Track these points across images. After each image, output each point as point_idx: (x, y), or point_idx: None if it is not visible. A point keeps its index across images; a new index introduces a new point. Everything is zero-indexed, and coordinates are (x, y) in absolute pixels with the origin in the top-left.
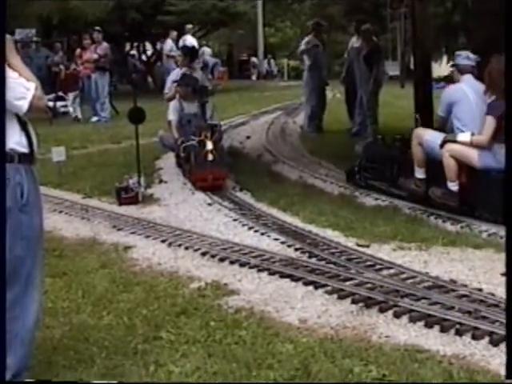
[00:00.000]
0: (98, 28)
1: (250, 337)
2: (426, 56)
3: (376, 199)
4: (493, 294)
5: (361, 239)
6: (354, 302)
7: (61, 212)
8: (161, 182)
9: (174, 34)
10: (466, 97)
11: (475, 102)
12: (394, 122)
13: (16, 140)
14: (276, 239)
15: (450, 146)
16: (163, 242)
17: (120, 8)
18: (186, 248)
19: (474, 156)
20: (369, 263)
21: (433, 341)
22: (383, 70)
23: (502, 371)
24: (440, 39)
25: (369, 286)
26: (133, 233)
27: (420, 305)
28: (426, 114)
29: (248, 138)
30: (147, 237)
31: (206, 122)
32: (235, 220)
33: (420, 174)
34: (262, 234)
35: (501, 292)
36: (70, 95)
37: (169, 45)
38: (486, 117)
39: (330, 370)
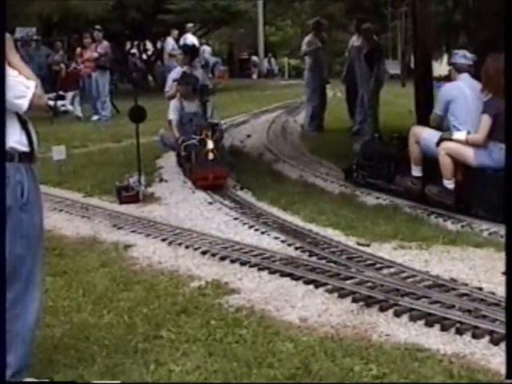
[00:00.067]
0: (98, 27)
1: (251, 335)
2: (427, 55)
3: (377, 198)
4: (493, 293)
5: (361, 238)
6: (354, 300)
7: (61, 211)
8: (161, 180)
9: (175, 32)
10: (463, 95)
11: (472, 100)
12: (395, 120)
13: (16, 139)
14: (276, 238)
15: (445, 144)
16: (163, 240)
17: (120, 7)
18: (187, 247)
19: (469, 154)
20: (369, 262)
21: (433, 339)
22: (384, 68)
23: (503, 370)
24: (441, 38)
25: (369, 284)
26: (133, 231)
27: (420, 304)
28: (426, 113)
29: (249, 136)
30: (147, 235)
31: (207, 120)
32: (236, 219)
33: (417, 171)
34: (263, 232)
35: (501, 291)
36: (69, 94)
37: (170, 43)
38: (482, 115)
39: (331, 369)
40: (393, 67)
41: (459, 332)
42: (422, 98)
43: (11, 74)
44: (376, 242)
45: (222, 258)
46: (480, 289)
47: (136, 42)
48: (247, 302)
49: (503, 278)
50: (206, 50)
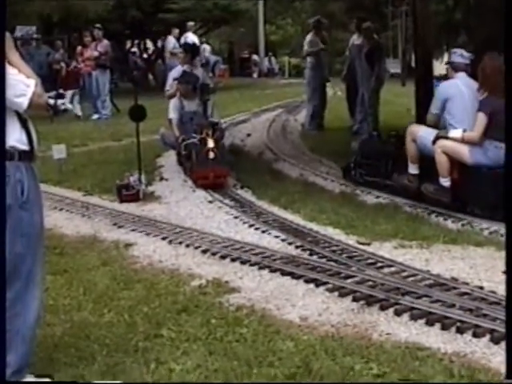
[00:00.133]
0: (98, 25)
1: (251, 334)
2: (427, 54)
3: (377, 197)
4: (494, 292)
5: (362, 237)
6: (354, 299)
7: (61, 209)
8: (162, 179)
9: (176, 31)
10: (461, 93)
11: (469, 98)
12: (395, 119)
13: (16, 137)
14: (277, 237)
15: (442, 143)
16: (164, 239)
17: (121, 5)
18: (187, 245)
19: (465, 152)
20: (370, 261)
21: (434, 338)
22: (384, 67)
23: (503, 369)
24: (441, 37)
25: (370, 283)
26: (133, 230)
27: (421, 303)
28: (426, 112)
29: (249, 135)
30: (148, 234)
31: (208, 119)
32: (236, 218)
33: (413, 169)
34: (263, 231)
35: (502, 290)
36: (69, 93)
37: (172, 42)
38: (478, 113)
39: (331, 368)
40: (393, 66)
41: (460, 331)
42: (422, 97)
43: (11, 73)
44: (376, 241)
45: (223, 257)
46: (481, 288)
47: (136, 41)
48: (248, 301)
49: (504, 277)
50: (206, 48)
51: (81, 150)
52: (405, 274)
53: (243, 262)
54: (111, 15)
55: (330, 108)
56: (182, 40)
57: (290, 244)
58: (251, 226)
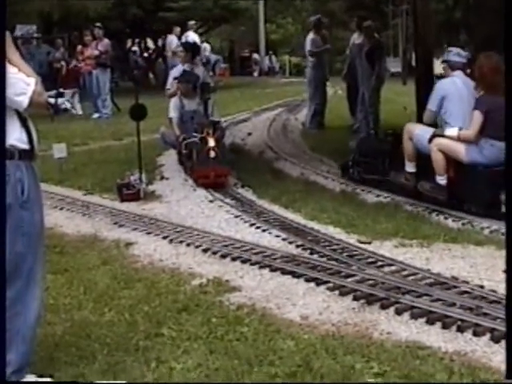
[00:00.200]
0: (98, 24)
1: (252, 333)
2: (428, 52)
3: (378, 196)
4: (494, 291)
5: (362, 236)
6: (355, 298)
7: (62, 209)
8: (162, 178)
9: (178, 30)
10: (458, 91)
11: (466, 96)
12: (396, 118)
13: (16, 136)
14: (277, 236)
15: (438, 141)
16: (165, 238)
17: (121, 4)
18: (188, 244)
19: (461, 150)
20: (370, 260)
21: (434, 337)
22: (385, 66)
23: (503, 368)
24: (442, 36)
25: (370, 282)
26: (134, 229)
27: (422, 301)
28: None
29: (249, 134)
30: (148, 233)
31: (208, 118)
32: (237, 217)
33: (410, 167)
34: (264, 230)
35: (502, 289)
36: (68, 92)
37: (174, 41)
38: (473, 111)
39: (332, 367)
40: (394, 65)
41: (460, 330)
42: (423, 96)
43: (11, 72)
44: (377, 240)
45: (223, 256)
46: (481, 287)
47: (137, 40)
48: (248, 300)
49: (504, 276)
50: (206, 47)
51: (81, 149)
52: (405, 272)
53: (244, 261)
54: (111, 14)
55: (330, 107)
56: (183, 39)
57: (290, 243)
58: (252, 225)
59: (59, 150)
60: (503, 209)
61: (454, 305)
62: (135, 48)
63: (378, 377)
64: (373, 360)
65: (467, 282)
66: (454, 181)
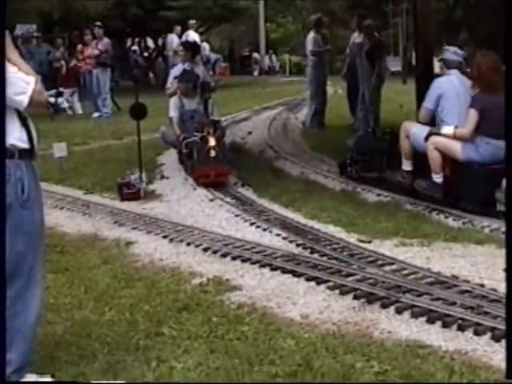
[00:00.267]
0: (99, 23)
1: (252, 332)
2: (428, 51)
3: (378, 195)
4: (495, 290)
5: (363, 235)
6: (355, 297)
7: (62, 208)
8: (162, 177)
9: (178, 29)
10: (454, 89)
11: (462, 95)
12: (396, 117)
13: (16, 136)
14: (278, 235)
15: (434, 139)
16: (165, 237)
17: (121, 3)
18: (188, 244)
19: (457, 149)
20: (371, 259)
21: (435, 336)
22: (385, 65)
23: (504, 367)
24: (442, 35)
25: (371, 281)
26: (134, 228)
27: (422, 300)
28: None
29: (250, 133)
30: (149, 232)
31: (209, 118)
32: (237, 216)
33: (407, 166)
34: (264, 229)
35: (503, 288)
36: (67, 91)
37: (175, 40)
38: (469, 110)
39: (332, 366)
40: (394, 64)
41: (461, 329)
42: (423, 95)
43: (11, 71)
44: (377, 239)
45: (224, 255)
46: (482, 285)
47: (137, 39)
48: (249, 299)
49: (504, 275)
50: (206, 47)
51: (81, 148)
52: (406, 271)
53: (244, 260)
54: (112, 13)
55: (330, 106)
56: (184, 38)
57: (290, 242)
58: (252, 224)
59: (59, 149)
60: (498, 207)
61: (454, 304)
62: (135, 47)
63: (378, 376)
64: (373, 359)
65: (468, 281)
66: (450, 179)
